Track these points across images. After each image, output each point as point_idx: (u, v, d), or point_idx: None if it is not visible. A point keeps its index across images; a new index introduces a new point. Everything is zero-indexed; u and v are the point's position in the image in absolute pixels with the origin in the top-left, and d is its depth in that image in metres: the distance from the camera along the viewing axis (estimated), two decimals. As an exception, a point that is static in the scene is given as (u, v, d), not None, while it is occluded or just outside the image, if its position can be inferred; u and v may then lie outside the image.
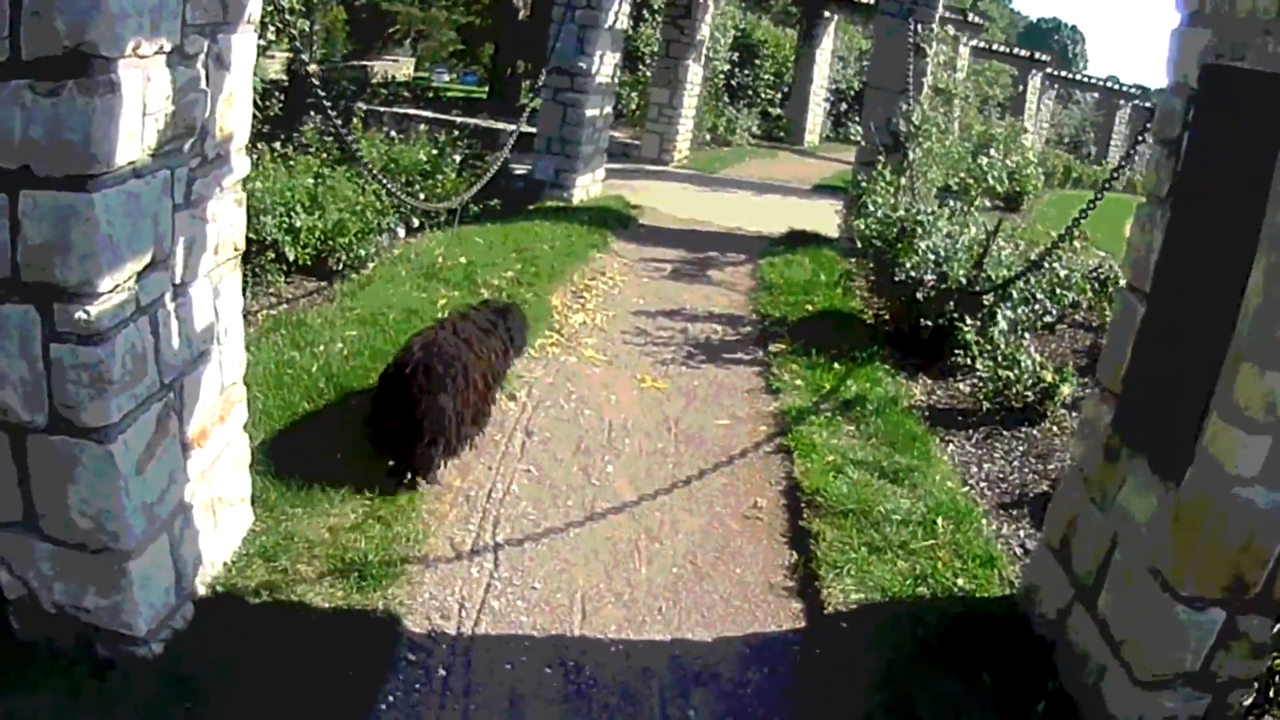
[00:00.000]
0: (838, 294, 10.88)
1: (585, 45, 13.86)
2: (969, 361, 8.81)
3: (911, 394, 8.35)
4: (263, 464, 5.37)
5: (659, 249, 12.74)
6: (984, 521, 6.14)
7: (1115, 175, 7.17)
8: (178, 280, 3.90)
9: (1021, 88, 29.93)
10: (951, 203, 10.74)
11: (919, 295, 8.86)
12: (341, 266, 9.18)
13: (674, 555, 5.50)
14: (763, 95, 27.30)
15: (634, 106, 23.27)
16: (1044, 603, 4.97)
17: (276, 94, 14.72)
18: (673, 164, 20.53)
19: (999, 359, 8.08)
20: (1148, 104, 42.33)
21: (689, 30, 19.96)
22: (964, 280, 8.73)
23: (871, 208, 10.16)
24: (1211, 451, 3.81)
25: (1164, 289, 4.38)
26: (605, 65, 14.36)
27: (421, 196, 11.32)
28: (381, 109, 20.84)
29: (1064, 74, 39.27)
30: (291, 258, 8.61)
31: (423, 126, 13.22)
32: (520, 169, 15.16)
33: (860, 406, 7.65)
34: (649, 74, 22.41)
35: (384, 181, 7.59)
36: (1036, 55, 32.70)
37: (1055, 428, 7.82)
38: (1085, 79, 42.08)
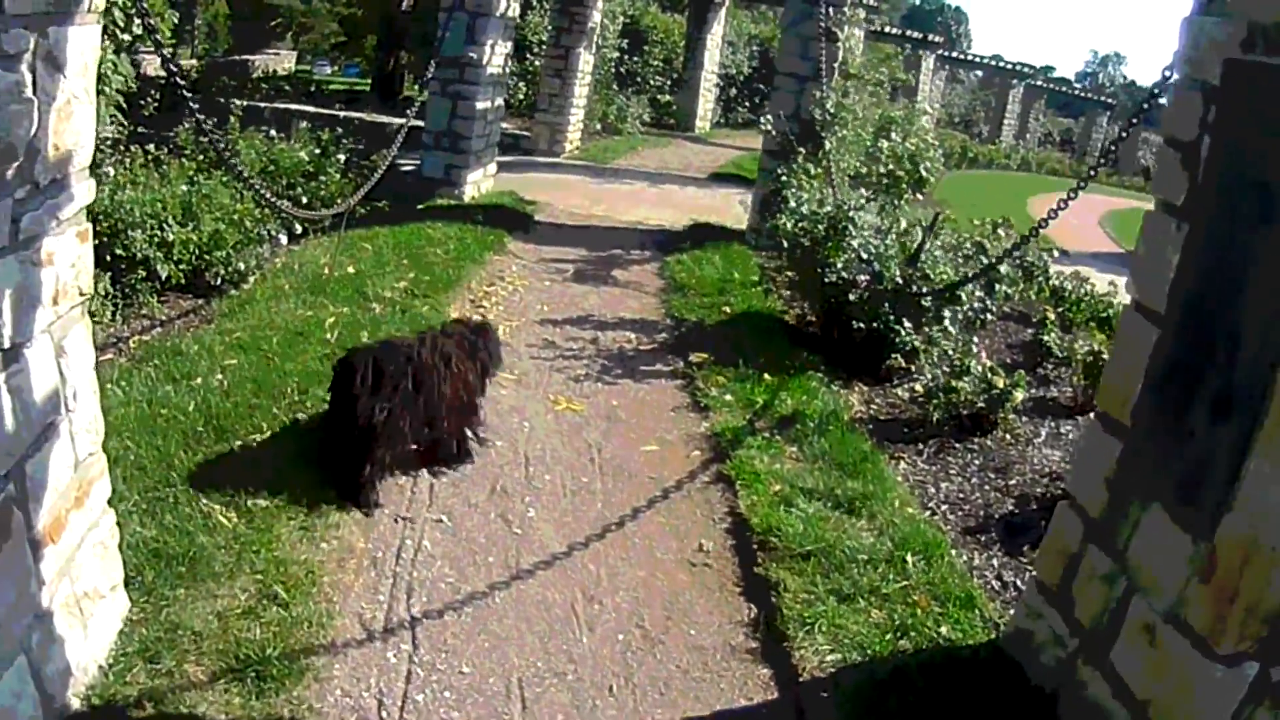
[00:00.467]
0: (756, 294, 10.26)
1: (475, 35, 13.00)
2: (907, 366, 8.26)
3: (850, 405, 7.74)
4: (136, 535, 4.50)
5: (559, 248, 11.98)
6: (954, 553, 5.53)
7: (1092, 174, 6.51)
8: (6, 344, 3.02)
9: (915, 70, 29.78)
10: (873, 195, 10.16)
11: (851, 297, 8.24)
12: (220, 281, 8.25)
13: (618, 618, 4.77)
14: (652, 82, 26.66)
15: (523, 97, 22.41)
16: (1041, 650, 4.44)
17: (152, 92, 13.59)
18: (565, 155, 19.75)
19: (951, 365, 7.51)
20: (1038, 83, 43.04)
21: (580, 18, 19.17)
22: (900, 280, 8.14)
23: (794, 203, 9.52)
24: (1257, 497, 3.31)
25: (1186, 312, 3.80)
26: (496, 55, 13.52)
27: (305, 201, 10.40)
28: (262, 105, 19.85)
29: (955, 55, 39.44)
30: (164, 275, 7.66)
31: (304, 124, 12.19)
32: (408, 165, 14.26)
33: (800, 424, 7.01)
34: (538, 63, 21.57)
35: (260, 190, 6.71)
36: (929, 37, 32.65)
37: (1008, 436, 7.30)
38: (978, 59, 42.37)
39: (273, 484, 5.17)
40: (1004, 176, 31.88)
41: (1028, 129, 40.45)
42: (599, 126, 22.70)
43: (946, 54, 35.73)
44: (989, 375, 7.46)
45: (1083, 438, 4.57)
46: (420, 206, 12.68)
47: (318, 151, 11.15)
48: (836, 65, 12.39)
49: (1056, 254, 10.69)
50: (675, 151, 23.51)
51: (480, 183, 14.12)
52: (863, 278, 8.24)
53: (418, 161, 13.78)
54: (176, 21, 10.24)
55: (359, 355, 5.40)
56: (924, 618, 4.81)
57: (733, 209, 15.33)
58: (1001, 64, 39.57)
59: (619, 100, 24.16)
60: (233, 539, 4.67)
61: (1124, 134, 6.37)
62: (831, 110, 11.80)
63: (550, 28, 19.92)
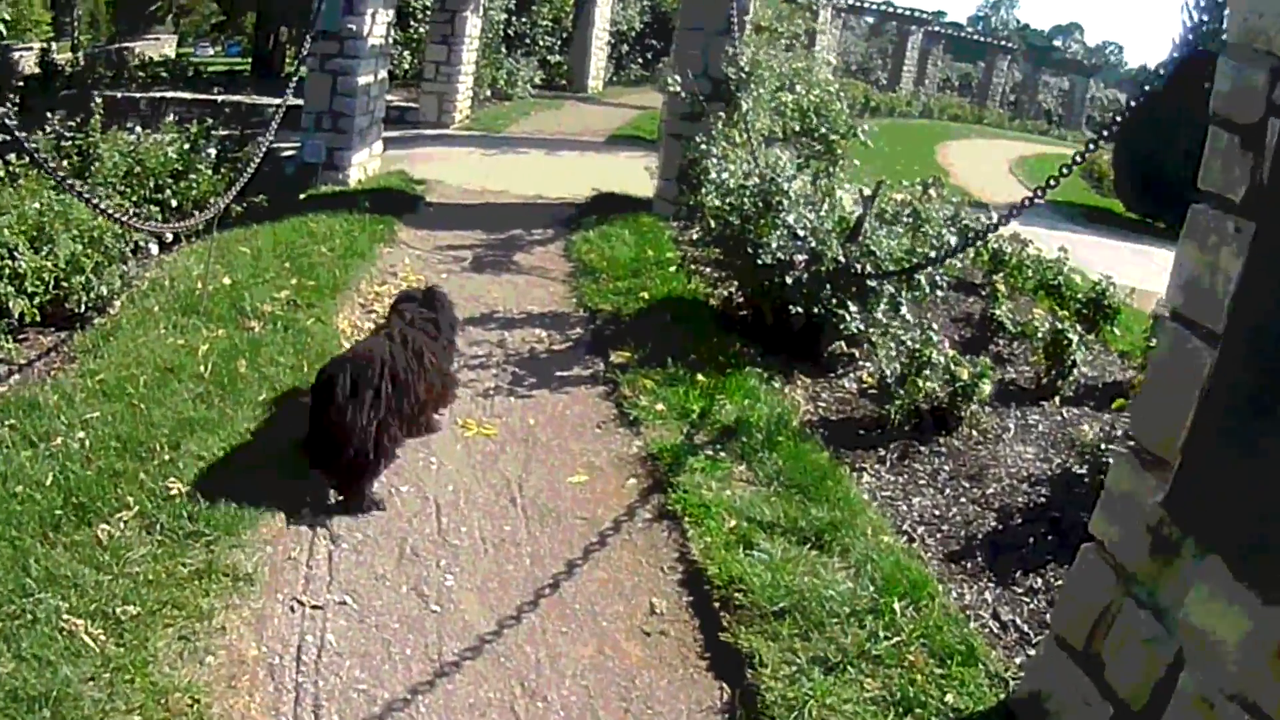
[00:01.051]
0: (675, 276, 9.45)
1: (355, 4, 11.91)
2: (850, 352, 7.54)
3: (796, 405, 7.00)
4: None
5: (454, 233, 11.01)
6: (942, 589, 4.81)
7: (1089, 150, 5.73)
8: None
9: (811, 18, 28.96)
10: (803, 161, 9.38)
11: (788, 279, 7.44)
12: (84, 309, 7.16)
13: (567, 718, 3.95)
14: (541, 43, 25.57)
15: (408, 67, 21.20)
16: (1064, 717, 3.79)
17: (10, 95, 12.32)
18: (455, 126, 18.67)
19: (911, 356, 6.78)
20: (937, 29, 42.67)
21: (467, -22, 18.09)
22: (842, 259, 7.38)
23: (716, 174, 8.69)
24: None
25: (1259, 331, 3.07)
26: (378, 25, 12.43)
27: (174, 204, 9.35)
28: (138, 95, 18.69)
29: (852, 2, 38.85)
30: (18, 313, 6.56)
31: (170, 118, 11.01)
32: (289, 149, 13.15)
33: (745, 435, 6.23)
34: (423, 30, 20.38)
35: (103, 208, 5.69)
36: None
37: (974, 433, 6.62)
38: (876, 6, 41.82)
39: (143, 579, 4.22)
40: (907, 125, 31.51)
41: (926, 75, 40.10)
42: (489, 93, 21.61)
43: (848, 3, 35.09)
44: (952, 366, 6.75)
45: (1111, 473, 3.84)
46: (303, 196, 11.63)
47: (187, 146, 10.05)
48: (747, 19, 11.54)
49: (970, 206, 10.05)
50: (570, 114, 22.51)
51: (366, 164, 13.06)
52: (800, 257, 7.46)
53: (299, 145, 12.66)
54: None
55: (335, 365, 5.21)
56: (924, 684, 4.10)
57: (637, 175, 14.41)
58: (899, 10, 39.03)
59: (508, 64, 23.04)
60: (102, 665, 3.72)
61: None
62: (746, 68, 10.96)
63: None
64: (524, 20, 24.19)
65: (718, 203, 8.27)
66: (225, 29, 35.60)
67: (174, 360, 6.37)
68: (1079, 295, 9.37)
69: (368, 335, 6.27)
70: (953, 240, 8.14)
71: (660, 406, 6.62)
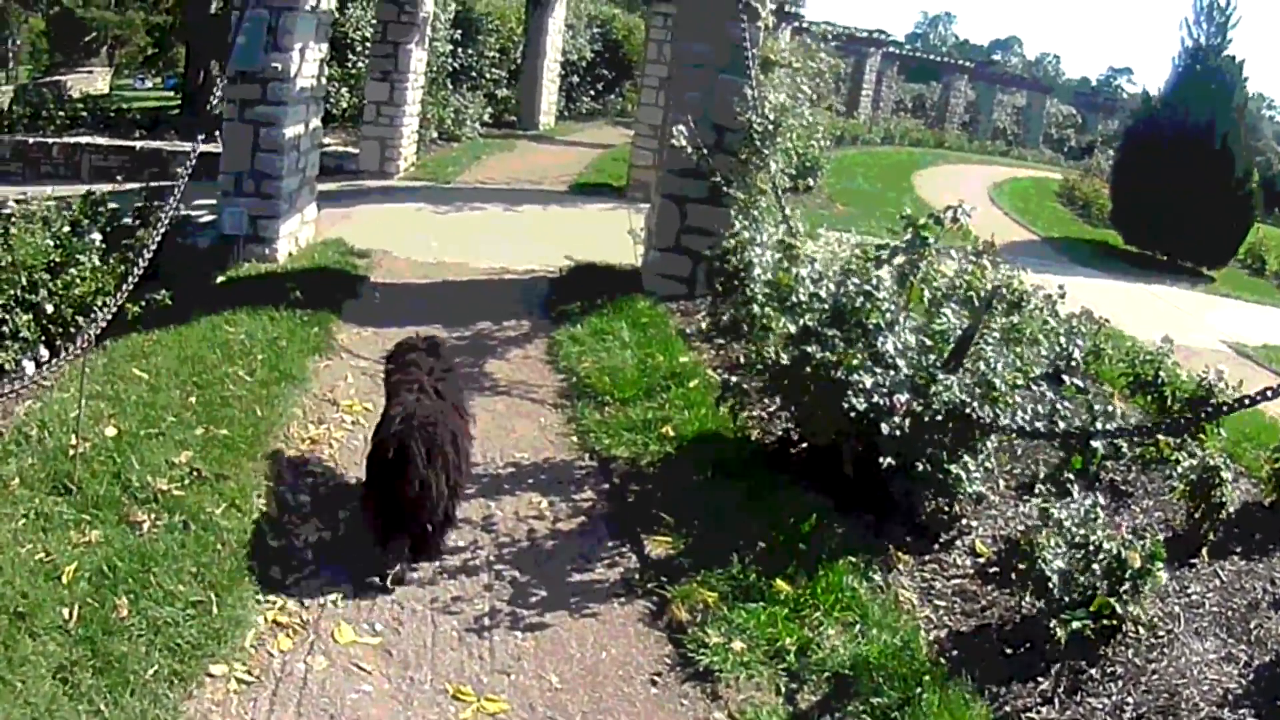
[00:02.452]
0: (699, 396, 7.35)
1: (280, 38, 9.76)
2: (950, 508, 5.57)
3: (910, 606, 4.97)
4: None
5: (407, 328, 8.78)
6: None
7: None
8: None
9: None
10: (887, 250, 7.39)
11: (885, 428, 5.39)
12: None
13: None
14: (488, 75, 23.42)
15: (346, 106, 18.97)
16: None
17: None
18: (400, 175, 16.50)
19: (1078, 546, 4.75)
20: (893, 49, 41.09)
21: (410, 6, 15.87)
22: (961, 399, 5.36)
23: (762, 269, 6.65)
24: None
25: None
26: (308, 63, 10.28)
27: (50, 308, 7.11)
28: (51, 140, 16.60)
29: (807, 25, 37.20)
30: None
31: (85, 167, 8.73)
32: (206, 213, 10.99)
33: (868, 689, 4.19)
34: (362, 65, 18.19)
35: None
36: (785, 6, 30.01)
37: (1145, 633, 4.69)
38: (832, 28, 40.16)
39: None
40: (874, 154, 29.81)
41: (881, 98, 38.42)
42: (435, 134, 19.43)
43: (801, 24, 33.28)
44: (1121, 550, 4.74)
45: None
46: (220, 280, 9.47)
47: (68, 228, 7.84)
48: (755, 52, 9.55)
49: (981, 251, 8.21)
50: (524, 157, 20.40)
51: (297, 233, 10.88)
52: (900, 398, 5.41)
53: (217, 209, 10.45)
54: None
55: (404, 431, 4.91)
56: None
57: (614, 237, 12.43)
58: (861, 32, 37.34)
59: (455, 101, 20.89)
60: None
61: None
62: (772, 116, 8.97)
63: (374, 22, 16.52)
64: (470, 52, 22.06)
65: (784, 325, 6.19)
66: (154, 63, 33.28)
67: (29, 597, 4.17)
68: (1181, 392, 7.44)
69: (396, 385, 5.52)
70: (1076, 353, 6.20)
71: (738, 645, 4.51)
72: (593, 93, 29.70)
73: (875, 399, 5.38)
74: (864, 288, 5.83)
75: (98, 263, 7.78)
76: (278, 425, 6.41)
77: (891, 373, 5.50)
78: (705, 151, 9.31)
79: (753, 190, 9.53)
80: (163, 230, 7.35)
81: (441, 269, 11.02)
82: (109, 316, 6.04)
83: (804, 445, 6.38)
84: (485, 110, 22.48)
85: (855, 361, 5.50)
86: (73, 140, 17.06)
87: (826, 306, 5.94)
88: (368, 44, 17.24)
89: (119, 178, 13.22)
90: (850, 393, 5.38)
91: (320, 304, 8.83)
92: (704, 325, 8.98)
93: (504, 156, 20.05)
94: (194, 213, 11.87)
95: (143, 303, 7.46)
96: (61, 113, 19.57)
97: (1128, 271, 16.29)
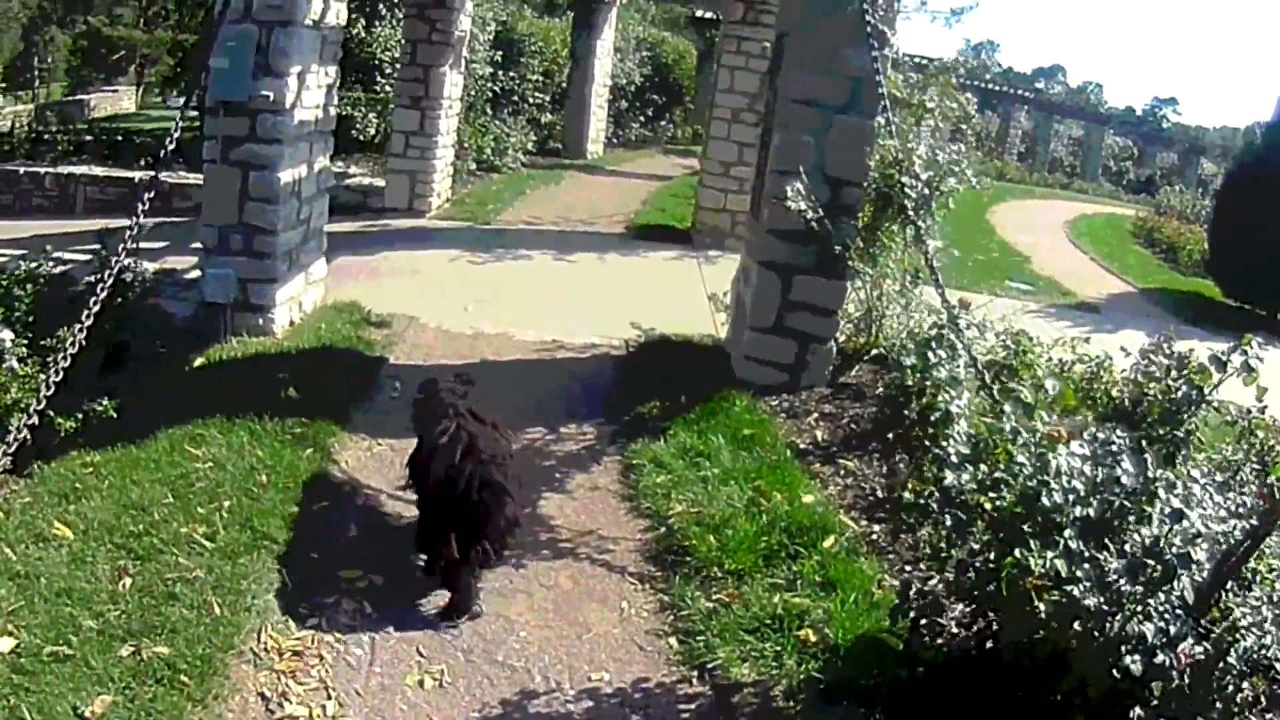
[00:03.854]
0: (841, 569, 5.12)
1: (273, 59, 7.65)
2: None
3: None
4: None
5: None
6: None
7: None
8: None
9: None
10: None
11: (1156, 688, 3.10)
12: None
13: None
14: (531, 100, 21.31)
15: (374, 133, 16.85)
16: None
17: None
18: (432, 213, 14.35)
19: None
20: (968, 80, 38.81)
21: (443, 25, 13.71)
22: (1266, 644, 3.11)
23: (961, 445, 4.36)
24: None
25: None
26: (311, 90, 8.15)
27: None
28: (43, 169, 15.00)
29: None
30: None
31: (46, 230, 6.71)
32: (188, 269, 8.96)
33: None
34: (390, 89, 16.09)
35: None
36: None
37: None
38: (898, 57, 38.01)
39: None
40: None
41: (938, 128, 36.12)
42: (473, 165, 17.29)
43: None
44: None
45: None
46: (199, 364, 7.33)
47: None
48: (882, 90, 7.34)
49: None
50: (573, 190, 18.25)
51: (301, 297, 8.74)
52: (1197, 649, 3.15)
53: (199, 273, 8.34)
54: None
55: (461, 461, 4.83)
56: None
57: (685, 294, 10.42)
58: (916, 60, 35.06)
59: (495, 128, 18.77)
60: None
61: None
62: (925, 175, 6.79)
63: (403, 41, 14.37)
64: (513, 75, 19.95)
65: (1038, 560, 3.84)
66: (179, 82, 31.58)
67: None
68: None
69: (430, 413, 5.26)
70: None
71: None
72: (642, 119, 27.57)
73: (1159, 657, 3.13)
74: (1147, 483, 3.53)
75: (16, 365, 5.68)
76: (242, 633, 4.20)
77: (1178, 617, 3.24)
78: (820, 213, 7.17)
79: (880, 261, 7.41)
80: (96, 306, 5.28)
81: (479, 343, 8.82)
82: (20, 438, 4.05)
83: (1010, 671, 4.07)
84: (529, 138, 20.35)
85: (1137, 607, 3.23)
86: (66, 170, 15.18)
87: (1090, 513, 3.63)
88: (397, 66, 15.08)
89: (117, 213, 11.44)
90: (1124, 648, 3.13)
91: (321, 406, 6.68)
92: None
93: (550, 190, 17.91)
94: (182, 264, 9.79)
95: (78, 416, 5.40)
96: (65, 136, 17.68)
97: (1236, 330, 13.84)
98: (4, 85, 32.81)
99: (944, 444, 4.31)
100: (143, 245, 10.69)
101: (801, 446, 6.85)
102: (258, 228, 7.96)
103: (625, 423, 7.19)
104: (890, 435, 5.54)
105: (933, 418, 4.67)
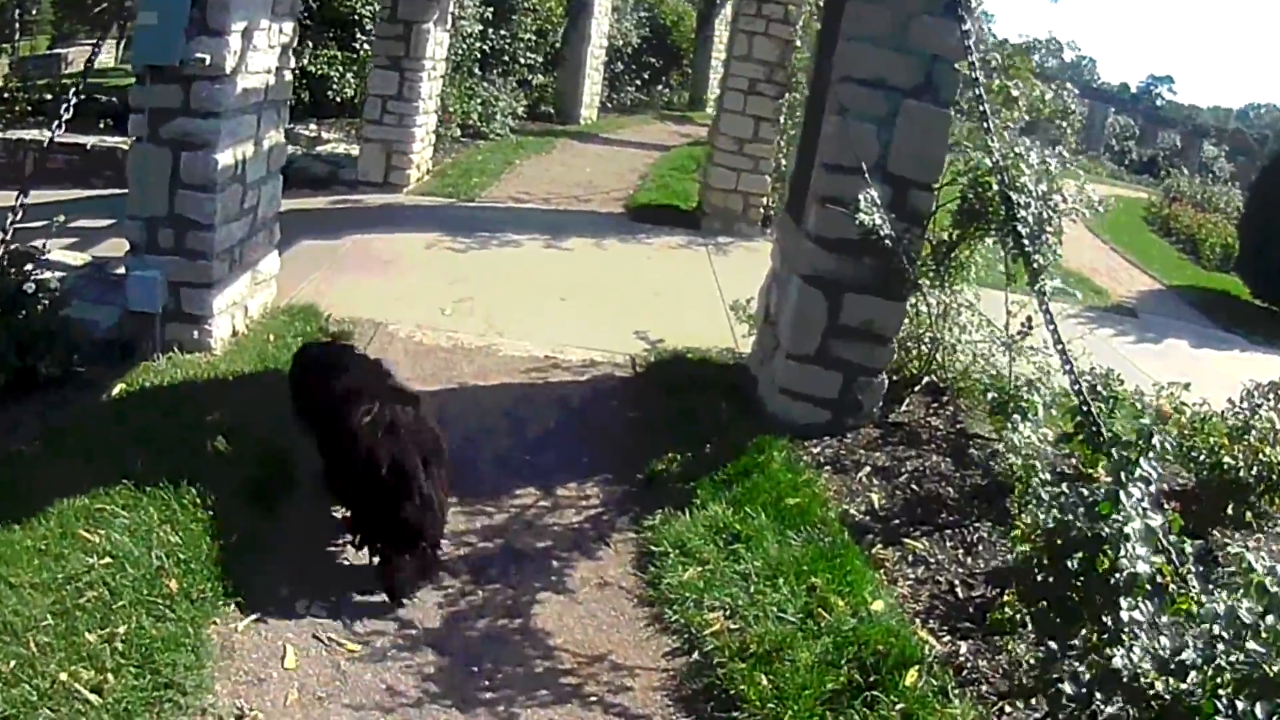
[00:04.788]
0: (935, 714, 3.78)
1: (211, 13, 6.15)
2: None
3: None
4: None
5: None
6: None
7: None
8: None
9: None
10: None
11: None
12: None
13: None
14: (522, 61, 19.73)
15: (353, 94, 15.27)
16: None
17: None
18: (410, 187, 12.86)
19: None
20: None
21: (430, -21, 12.24)
22: None
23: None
24: None
25: None
26: (260, 52, 6.68)
27: None
28: None
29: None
30: None
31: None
32: (116, 262, 7.54)
33: None
34: (368, 48, 14.51)
35: None
36: None
37: None
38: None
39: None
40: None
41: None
42: (458, 132, 15.78)
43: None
44: None
45: None
46: (116, 393, 5.95)
47: None
48: (967, 69, 5.92)
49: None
50: (566, 161, 16.76)
51: (247, 301, 7.30)
52: None
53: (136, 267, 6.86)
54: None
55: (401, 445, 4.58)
56: None
57: (697, 292, 9.23)
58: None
59: (483, 91, 17.23)
60: None
61: None
62: (1034, 184, 5.43)
63: (383, -6, 12.78)
64: (503, 34, 18.38)
65: None
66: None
67: None
68: None
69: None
70: None
71: None
72: (638, 83, 25.98)
73: None
74: None
75: None
76: None
77: None
78: (903, 238, 5.81)
79: (952, 283, 6.08)
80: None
81: (458, 360, 7.41)
82: None
83: None
84: (519, 102, 18.82)
85: None
86: (16, 135, 13.63)
87: None
88: (377, 21, 13.47)
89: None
90: None
91: (257, 461, 5.24)
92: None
93: (541, 160, 16.43)
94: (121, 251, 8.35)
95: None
96: (24, 95, 16.04)
97: (1272, 337, 12.53)
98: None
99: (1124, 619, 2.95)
100: (81, 225, 9.40)
101: (856, 517, 5.49)
102: (191, 221, 6.50)
103: (639, 482, 5.82)
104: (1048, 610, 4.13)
105: (1113, 579, 3.27)
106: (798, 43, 12.31)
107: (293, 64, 7.27)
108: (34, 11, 35.43)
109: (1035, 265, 5.39)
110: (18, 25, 36.71)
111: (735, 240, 12.03)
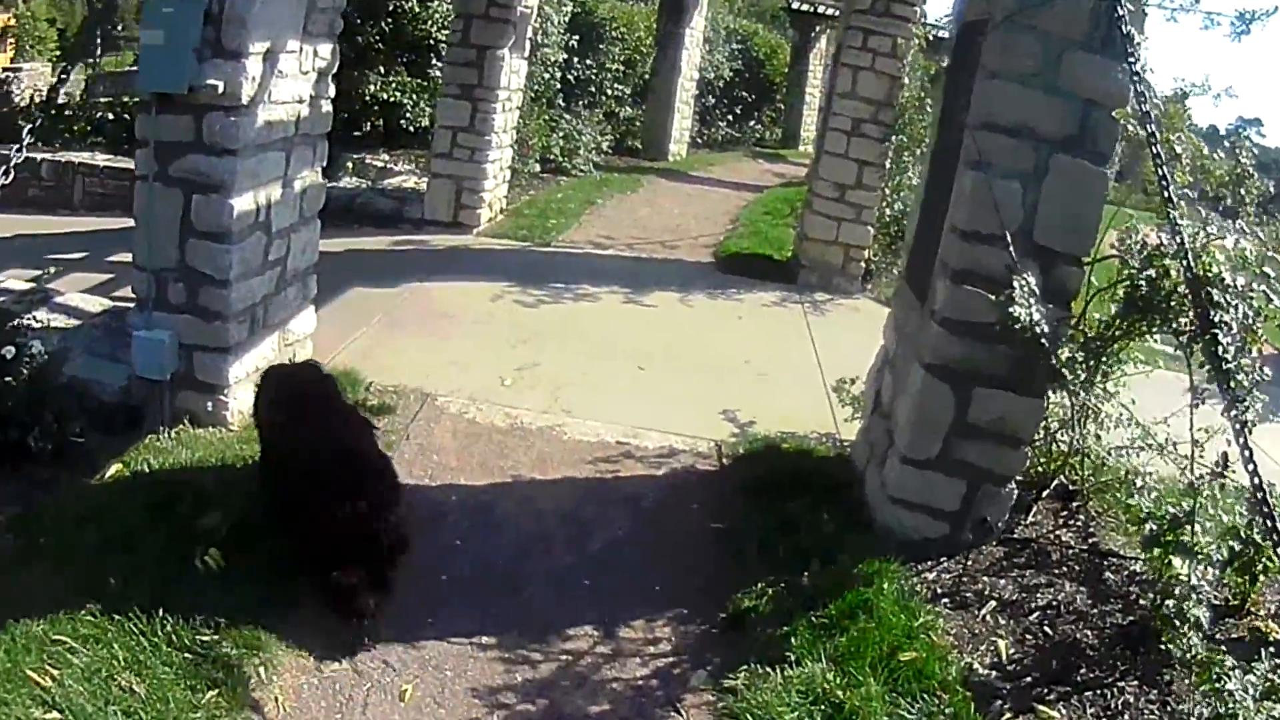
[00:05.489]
0: None
1: (226, 31, 5.16)
2: None
3: None
4: None
5: (430, 649, 4.26)
6: None
7: None
8: None
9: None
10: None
11: None
12: None
13: None
14: (609, 92, 18.76)
15: (427, 124, 14.37)
16: None
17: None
18: (481, 228, 11.87)
19: None
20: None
21: (506, 1, 11.23)
22: None
23: None
24: None
25: None
26: (286, 76, 5.67)
27: None
28: (40, 156, 12.87)
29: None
30: None
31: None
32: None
33: None
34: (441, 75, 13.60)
35: None
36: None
37: None
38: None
39: None
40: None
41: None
42: (536, 167, 14.80)
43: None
44: None
45: None
46: (111, 474, 5.14)
47: None
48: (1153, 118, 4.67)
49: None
50: (652, 201, 15.68)
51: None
52: None
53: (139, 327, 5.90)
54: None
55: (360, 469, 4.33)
56: None
57: (797, 367, 8.16)
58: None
59: (566, 124, 16.26)
60: None
61: None
62: (1232, 280, 4.24)
63: (458, 16, 11.77)
64: (589, 63, 17.42)
65: None
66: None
67: None
68: None
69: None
70: None
71: None
72: (730, 118, 24.91)
73: None
74: None
75: None
76: None
77: None
78: (1041, 315, 4.60)
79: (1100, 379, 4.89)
80: None
81: (514, 445, 6.30)
82: None
83: None
84: (604, 136, 17.83)
85: None
86: (65, 158, 12.93)
87: None
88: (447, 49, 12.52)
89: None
90: None
91: (254, 587, 4.21)
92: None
93: (626, 200, 15.37)
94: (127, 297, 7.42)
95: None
96: (83, 114, 15.35)
97: None
98: (59, 54, 30.70)
99: None
100: (119, 258, 8.52)
101: (981, 673, 4.29)
102: (204, 275, 5.52)
103: (721, 622, 4.66)
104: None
105: None
106: (905, 80, 11.16)
107: (331, 92, 6.25)
108: (119, 27, 35.16)
109: (1234, 386, 4.12)
110: (99, 40, 36.47)
111: (834, 297, 10.85)
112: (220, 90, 5.12)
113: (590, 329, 8.71)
